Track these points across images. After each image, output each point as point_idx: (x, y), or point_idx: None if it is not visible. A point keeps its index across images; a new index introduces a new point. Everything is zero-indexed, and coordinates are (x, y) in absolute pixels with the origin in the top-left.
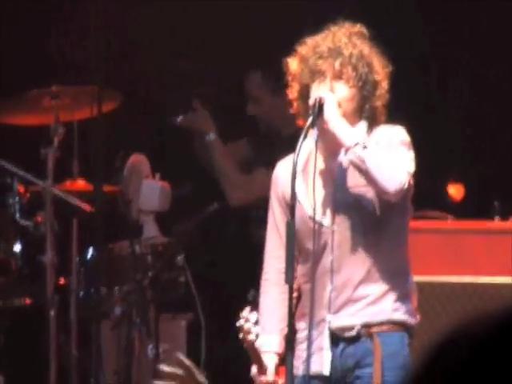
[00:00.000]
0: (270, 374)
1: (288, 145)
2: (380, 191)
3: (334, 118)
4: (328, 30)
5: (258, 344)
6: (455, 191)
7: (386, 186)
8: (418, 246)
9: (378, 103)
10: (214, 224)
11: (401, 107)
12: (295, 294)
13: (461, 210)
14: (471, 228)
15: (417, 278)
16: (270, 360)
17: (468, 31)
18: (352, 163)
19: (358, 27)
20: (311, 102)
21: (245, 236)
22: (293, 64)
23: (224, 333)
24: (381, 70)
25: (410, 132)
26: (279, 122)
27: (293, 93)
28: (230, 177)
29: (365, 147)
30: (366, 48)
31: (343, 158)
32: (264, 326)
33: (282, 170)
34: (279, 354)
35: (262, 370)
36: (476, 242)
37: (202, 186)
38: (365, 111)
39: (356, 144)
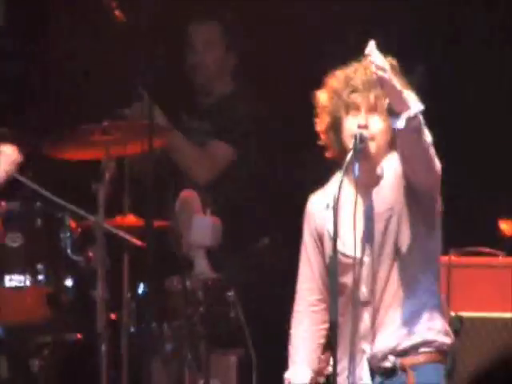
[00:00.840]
0: None
1: (215, 113)
2: (425, 168)
3: (391, 84)
4: (357, 63)
5: (287, 375)
6: (507, 227)
7: (432, 165)
8: (469, 281)
9: None
10: (265, 259)
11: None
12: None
13: None
14: None
15: (469, 314)
16: None
17: None
18: (410, 129)
19: (390, 59)
20: (350, 135)
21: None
22: (323, 96)
23: (275, 369)
24: None
25: (460, 166)
26: (218, 79)
27: (322, 125)
28: (191, 157)
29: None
30: (395, 78)
31: (399, 124)
32: (294, 358)
33: (315, 204)
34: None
35: None
36: None
37: (251, 221)
38: (396, 142)
39: (417, 113)
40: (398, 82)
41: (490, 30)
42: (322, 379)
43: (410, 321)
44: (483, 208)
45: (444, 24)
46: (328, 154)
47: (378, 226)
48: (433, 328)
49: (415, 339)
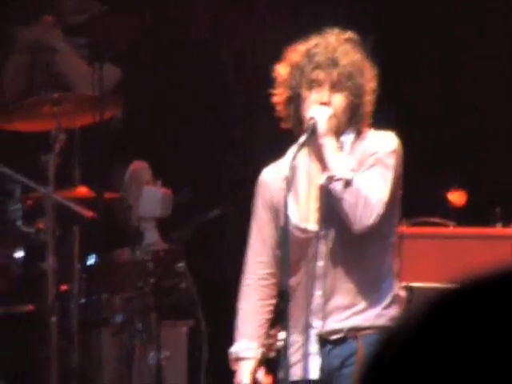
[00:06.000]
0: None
1: None
2: (347, 222)
3: (326, 142)
4: (319, 37)
5: (233, 349)
6: (457, 198)
7: (353, 225)
8: (419, 251)
9: (368, 108)
10: (213, 229)
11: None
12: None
13: (462, 217)
14: (472, 234)
15: (418, 284)
16: (248, 366)
17: None
18: (331, 192)
19: (349, 34)
20: (307, 119)
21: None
22: (283, 70)
23: (225, 340)
24: (370, 75)
25: (408, 138)
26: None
27: (281, 97)
28: (83, 73)
29: (347, 184)
30: (357, 55)
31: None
32: (241, 332)
33: (270, 176)
34: (257, 361)
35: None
36: (477, 248)
37: (201, 192)
38: (357, 117)
39: (339, 179)
40: (333, 143)
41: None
42: (272, 353)
43: (363, 301)
44: (432, 179)
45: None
46: (284, 125)
47: (337, 207)
48: (385, 315)
49: (366, 324)
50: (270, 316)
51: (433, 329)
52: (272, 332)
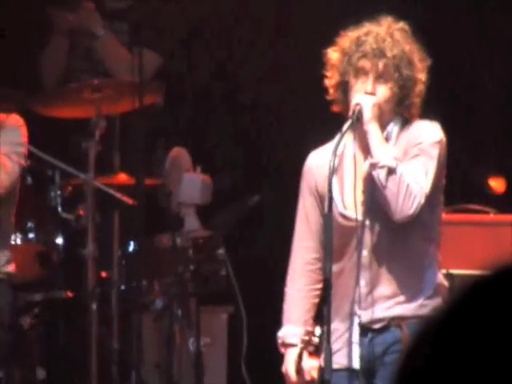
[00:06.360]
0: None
1: None
2: (388, 210)
3: (370, 129)
4: (370, 25)
5: (280, 334)
6: (497, 184)
7: (394, 214)
8: (459, 239)
9: (417, 99)
10: (254, 216)
11: (440, 101)
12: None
13: (502, 204)
14: None
15: (458, 271)
16: (293, 354)
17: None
18: (374, 179)
19: (401, 24)
20: (352, 106)
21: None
22: (333, 55)
23: (265, 326)
24: (420, 66)
25: (449, 127)
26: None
27: (331, 81)
28: (123, 59)
29: (390, 172)
30: (407, 46)
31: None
32: (288, 317)
33: (316, 161)
34: (303, 347)
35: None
36: None
37: (242, 179)
38: (402, 107)
39: (382, 166)
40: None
41: None
42: (310, 348)
43: (407, 292)
44: (474, 165)
45: None
46: (334, 108)
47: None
48: (428, 305)
49: (409, 313)
50: (316, 300)
51: (467, 316)
52: (309, 329)
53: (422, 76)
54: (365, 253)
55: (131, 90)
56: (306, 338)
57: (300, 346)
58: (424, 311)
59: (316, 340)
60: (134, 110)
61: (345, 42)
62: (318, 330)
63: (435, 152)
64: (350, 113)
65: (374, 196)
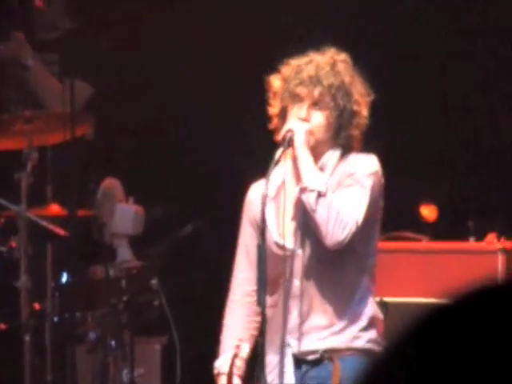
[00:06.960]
0: None
1: None
2: (319, 238)
3: (301, 155)
4: (314, 54)
5: (217, 364)
6: (428, 212)
7: (325, 240)
8: (392, 266)
9: (355, 132)
10: (187, 246)
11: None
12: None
13: (434, 231)
14: (446, 249)
15: (392, 299)
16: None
17: None
18: (304, 204)
19: (344, 55)
20: (283, 131)
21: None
22: (275, 82)
23: (199, 356)
24: (361, 99)
25: (383, 155)
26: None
27: (273, 110)
28: (53, 90)
29: (319, 196)
30: (347, 77)
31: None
32: (224, 347)
33: (255, 193)
34: (239, 376)
35: None
36: (451, 262)
37: (174, 209)
38: (340, 139)
39: (312, 190)
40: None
41: None
42: (239, 362)
43: (340, 322)
44: (405, 194)
45: None
46: (277, 138)
47: None
48: (362, 337)
49: (343, 345)
50: (255, 332)
51: (422, 347)
52: (238, 343)
53: (363, 109)
54: (296, 282)
55: (62, 121)
56: (235, 351)
57: (230, 357)
58: (358, 343)
59: (244, 355)
60: (65, 141)
61: (286, 70)
62: (245, 347)
63: (369, 183)
64: (281, 138)
65: (306, 223)
